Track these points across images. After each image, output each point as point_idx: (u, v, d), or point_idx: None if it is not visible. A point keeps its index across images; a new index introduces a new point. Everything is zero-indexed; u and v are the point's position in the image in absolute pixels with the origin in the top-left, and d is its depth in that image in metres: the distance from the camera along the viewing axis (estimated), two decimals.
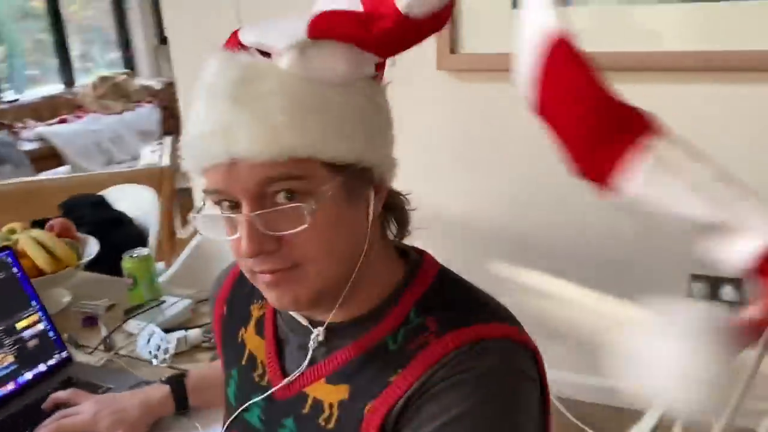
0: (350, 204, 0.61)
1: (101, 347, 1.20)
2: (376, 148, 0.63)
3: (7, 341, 1.08)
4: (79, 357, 1.18)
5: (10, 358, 1.07)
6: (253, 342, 0.75)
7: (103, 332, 1.24)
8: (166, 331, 1.19)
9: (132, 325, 1.25)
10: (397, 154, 0.67)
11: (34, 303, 1.13)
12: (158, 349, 1.14)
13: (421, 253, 0.70)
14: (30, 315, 1.12)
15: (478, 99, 1.96)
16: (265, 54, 0.59)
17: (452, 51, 1.94)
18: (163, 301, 1.28)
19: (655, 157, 0.44)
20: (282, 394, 0.69)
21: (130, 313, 1.30)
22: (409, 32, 0.57)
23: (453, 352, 0.60)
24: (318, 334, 0.67)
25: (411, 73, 2.01)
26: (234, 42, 0.60)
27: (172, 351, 1.14)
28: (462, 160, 2.03)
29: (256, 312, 0.76)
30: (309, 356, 0.67)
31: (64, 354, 1.14)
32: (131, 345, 1.21)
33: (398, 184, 0.70)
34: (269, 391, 0.70)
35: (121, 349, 1.20)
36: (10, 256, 1.12)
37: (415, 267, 0.68)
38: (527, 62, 0.50)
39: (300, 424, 0.67)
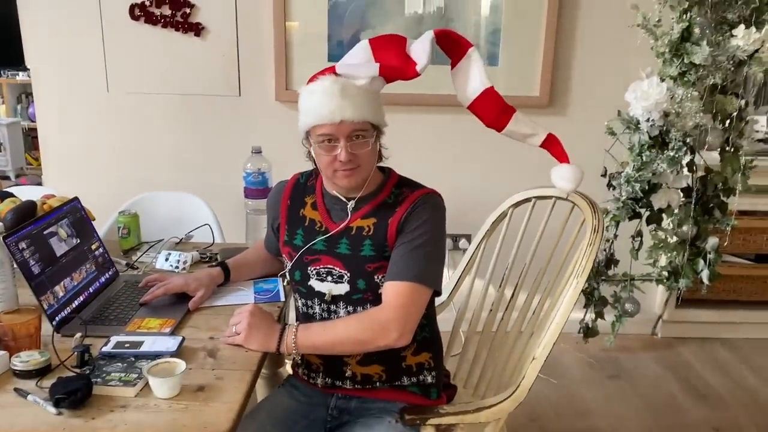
0: (375, 142, 1.45)
1: (129, 269, 1.78)
2: (383, 118, 1.47)
3: (89, 255, 1.62)
4: None
5: (93, 267, 1.62)
6: (311, 213, 1.52)
7: (122, 262, 1.81)
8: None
9: (142, 256, 1.84)
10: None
11: (95, 235, 1.68)
12: (178, 263, 1.77)
13: (389, 168, 1.56)
14: (95, 242, 1.67)
15: None
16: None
17: (286, 87, 2.79)
18: (162, 239, 1.89)
19: (514, 117, 1.43)
20: (335, 231, 1.48)
21: (128, 253, 1.88)
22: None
23: (418, 198, 1.47)
24: (353, 201, 1.48)
25: (258, 102, 2.83)
26: (331, 70, 1.41)
27: (190, 262, 1.78)
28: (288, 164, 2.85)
29: (309, 200, 1.53)
30: (350, 211, 1.48)
31: (113, 269, 1.71)
32: (147, 267, 1.80)
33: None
34: (330, 233, 1.48)
35: (145, 268, 1.79)
36: (78, 203, 1.66)
37: (388, 172, 1.54)
38: (474, 91, 1.43)
39: (350, 239, 1.46)
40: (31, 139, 6.08)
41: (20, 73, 5.86)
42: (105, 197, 2.49)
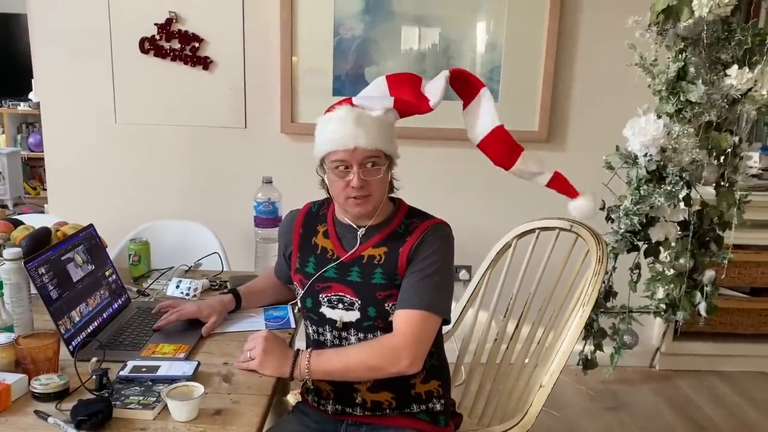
0: (387, 172, 1.50)
1: (140, 295, 1.81)
2: (395, 149, 1.52)
3: (103, 282, 1.65)
4: None
5: (107, 293, 1.64)
6: (322, 242, 1.55)
7: (133, 289, 1.84)
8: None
9: (153, 283, 1.87)
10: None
11: (108, 261, 1.71)
12: (189, 290, 1.80)
13: (399, 198, 1.60)
14: (108, 269, 1.69)
15: (307, 153, 2.87)
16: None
17: (292, 120, 2.85)
18: (173, 267, 1.92)
19: (522, 156, 1.48)
20: (347, 259, 1.51)
21: (138, 280, 1.91)
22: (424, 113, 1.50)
23: (428, 228, 1.51)
24: (363, 228, 1.52)
25: (263, 134, 2.89)
26: (348, 101, 1.46)
27: (200, 289, 1.81)
28: (293, 195, 2.90)
29: (321, 228, 1.57)
30: (359, 239, 1.52)
31: (126, 296, 1.73)
32: (158, 294, 1.83)
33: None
34: (341, 259, 1.52)
35: (156, 295, 1.81)
36: (93, 230, 1.69)
37: (398, 203, 1.58)
38: (484, 129, 1.49)
39: (362, 268, 1.50)
40: (30, 168, 6.12)
41: (21, 104, 5.92)
42: (110, 226, 2.52)
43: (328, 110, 1.49)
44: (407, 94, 1.49)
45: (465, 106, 1.55)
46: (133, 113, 2.85)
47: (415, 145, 2.85)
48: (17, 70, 5.70)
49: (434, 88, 1.47)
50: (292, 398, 1.96)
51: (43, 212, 3.88)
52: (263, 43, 2.79)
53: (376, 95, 1.50)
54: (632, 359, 3.01)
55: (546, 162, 1.56)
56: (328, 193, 1.54)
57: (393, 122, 1.50)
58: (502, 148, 1.52)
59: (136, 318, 1.63)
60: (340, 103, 1.49)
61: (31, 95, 5.70)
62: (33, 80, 5.50)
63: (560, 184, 1.57)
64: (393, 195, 1.59)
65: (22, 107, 5.91)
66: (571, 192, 1.58)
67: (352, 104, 1.47)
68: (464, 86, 1.53)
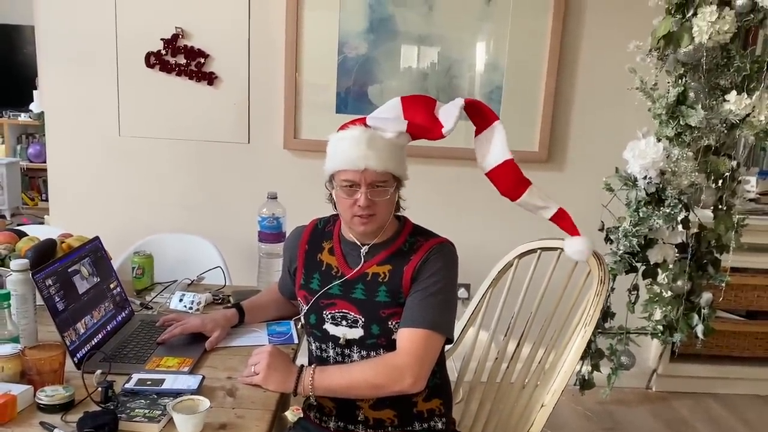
0: (394, 193, 1.52)
1: (143, 308, 1.81)
2: (404, 171, 1.54)
3: (108, 294, 1.65)
4: None
5: (111, 305, 1.65)
6: (328, 258, 1.57)
7: (137, 302, 1.84)
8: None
9: (157, 297, 1.87)
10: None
11: (113, 274, 1.72)
12: (192, 303, 1.81)
13: (404, 217, 1.62)
14: (113, 281, 1.70)
15: (309, 169, 2.89)
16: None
17: (295, 136, 2.87)
18: (176, 280, 1.92)
19: (529, 190, 1.51)
20: (351, 276, 1.53)
21: (142, 293, 1.91)
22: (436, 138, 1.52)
23: (433, 247, 1.53)
24: (367, 246, 1.54)
25: (266, 150, 2.91)
26: (361, 122, 1.48)
27: (204, 303, 1.82)
28: (295, 211, 2.91)
29: (327, 245, 1.58)
30: (363, 256, 1.53)
31: (129, 308, 1.74)
32: (161, 307, 1.83)
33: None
34: (345, 277, 1.53)
35: (159, 308, 1.82)
36: (99, 243, 1.70)
37: (403, 221, 1.60)
38: (494, 161, 1.51)
39: (366, 285, 1.51)
40: (29, 179, 6.12)
41: (22, 114, 5.94)
42: (112, 239, 2.52)
43: (342, 128, 1.50)
44: (421, 117, 1.51)
45: (477, 134, 1.57)
46: (137, 127, 2.87)
47: (419, 164, 2.86)
48: (19, 81, 5.74)
49: (448, 115, 1.50)
50: (291, 415, 1.96)
51: (42, 223, 3.89)
52: (268, 60, 2.82)
53: (390, 116, 1.52)
54: (629, 380, 3.02)
55: (552, 198, 1.57)
56: (335, 208, 1.56)
57: (404, 144, 1.52)
58: (509, 180, 1.54)
59: (139, 331, 1.64)
60: (354, 122, 1.50)
61: (32, 106, 5.72)
62: (35, 91, 5.56)
63: (563, 220, 1.58)
64: (399, 213, 1.61)
65: (23, 118, 5.93)
66: (572, 230, 1.60)
67: (365, 124, 1.49)
68: (477, 116, 1.55)
